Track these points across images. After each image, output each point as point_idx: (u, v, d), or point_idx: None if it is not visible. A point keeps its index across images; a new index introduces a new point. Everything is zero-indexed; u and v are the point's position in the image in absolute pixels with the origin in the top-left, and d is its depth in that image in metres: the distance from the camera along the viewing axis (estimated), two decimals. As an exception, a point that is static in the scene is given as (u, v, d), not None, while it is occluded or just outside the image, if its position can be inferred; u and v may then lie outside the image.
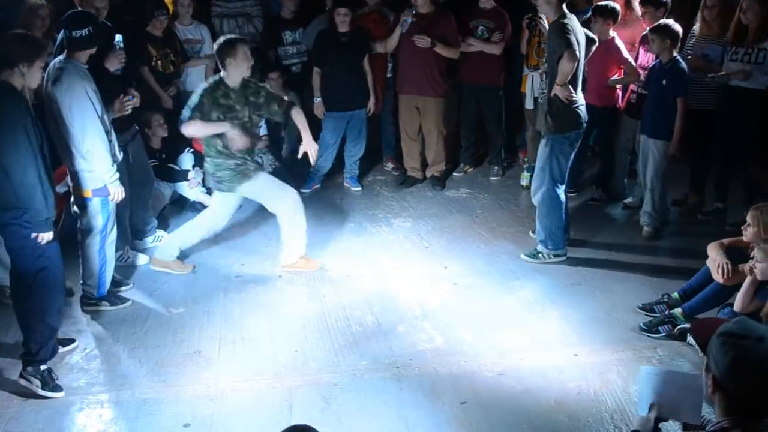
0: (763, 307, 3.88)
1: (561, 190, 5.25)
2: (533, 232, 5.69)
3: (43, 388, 3.87)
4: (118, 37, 5.02)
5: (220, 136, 4.94)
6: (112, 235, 4.70)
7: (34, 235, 3.75)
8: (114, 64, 5.01)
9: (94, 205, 4.55)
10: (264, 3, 7.71)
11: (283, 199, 5.16)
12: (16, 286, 3.97)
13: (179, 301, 4.90)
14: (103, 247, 4.64)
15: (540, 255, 5.33)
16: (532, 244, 5.60)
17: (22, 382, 3.91)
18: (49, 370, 3.94)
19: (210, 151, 5.05)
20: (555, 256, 5.33)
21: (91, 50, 4.46)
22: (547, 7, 4.99)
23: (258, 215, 6.38)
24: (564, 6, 4.96)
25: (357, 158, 6.97)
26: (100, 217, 4.57)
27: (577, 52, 4.86)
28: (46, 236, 3.79)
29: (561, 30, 4.90)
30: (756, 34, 5.37)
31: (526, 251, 5.41)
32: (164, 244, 5.43)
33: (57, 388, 3.90)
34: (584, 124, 5.16)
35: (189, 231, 5.33)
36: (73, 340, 4.38)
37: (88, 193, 4.52)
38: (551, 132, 5.11)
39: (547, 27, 5.94)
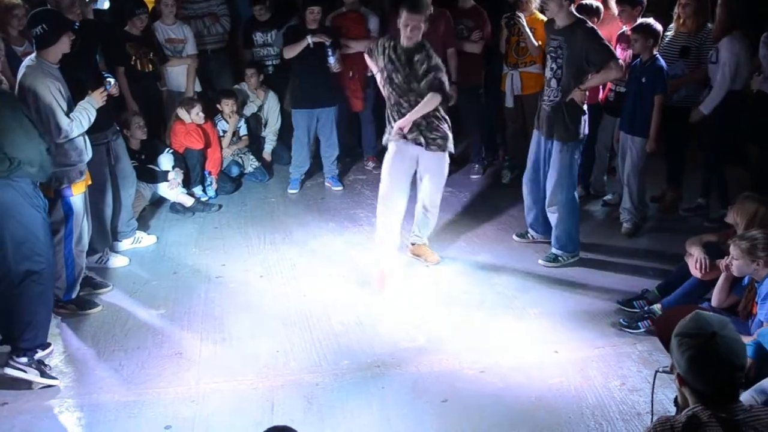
0: (739, 301, 3.93)
1: (576, 193, 5.28)
2: (517, 235, 5.71)
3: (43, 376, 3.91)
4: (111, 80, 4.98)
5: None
6: (79, 238, 4.65)
7: None
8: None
9: (57, 205, 4.51)
10: (230, 2, 7.71)
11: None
12: None
13: (159, 302, 4.88)
14: (70, 251, 4.58)
15: (560, 258, 5.28)
16: (512, 242, 5.65)
17: (15, 373, 3.91)
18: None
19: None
20: (572, 257, 5.32)
21: (57, 48, 4.38)
22: (559, 10, 4.89)
23: (238, 215, 6.38)
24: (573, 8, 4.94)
25: (333, 158, 6.94)
26: (63, 217, 4.53)
27: (622, 62, 4.84)
28: None
29: (596, 37, 4.84)
30: (717, 35, 5.40)
31: (543, 257, 5.34)
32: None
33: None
34: None
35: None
36: (48, 344, 4.31)
37: (50, 193, 4.47)
38: (572, 139, 5.04)
39: (526, 26, 5.98)
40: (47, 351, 4.21)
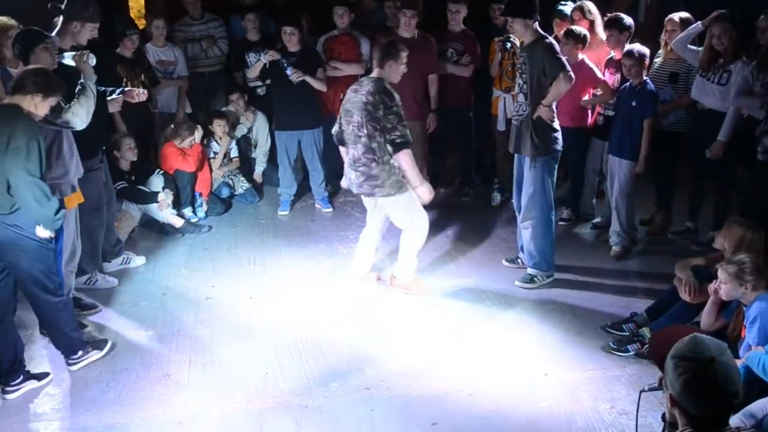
0: (728, 325, 3.95)
1: (553, 212, 5.29)
2: (507, 260, 5.70)
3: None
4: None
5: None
6: (70, 257, 4.66)
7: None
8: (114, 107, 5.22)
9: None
10: (226, 25, 7.74)
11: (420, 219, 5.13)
12: None
13: (148, 323, 4.85)
14: (59, 270, 4.44)
15: (535, 279, 5.30)
16: (501, 265, 5.65)
17: None
18: None
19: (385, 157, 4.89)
20: (547, 277, 5.33)
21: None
22: (525, 30, 4.99)
23: (228, 237, 6.37)
24: (538, 27, 5.02)
25: (320, 181, 6.92)
26: (54, 234, 4.50)
27: (572, 74, 4.93)
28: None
29: (551, 51, 4.93)
30: (730, 58, 5.42)
31: (519, 278, 5.36)
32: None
33: None
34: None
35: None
36: (47, 374, 4.25)
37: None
38: (541, 154, 5.09)
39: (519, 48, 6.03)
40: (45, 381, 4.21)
